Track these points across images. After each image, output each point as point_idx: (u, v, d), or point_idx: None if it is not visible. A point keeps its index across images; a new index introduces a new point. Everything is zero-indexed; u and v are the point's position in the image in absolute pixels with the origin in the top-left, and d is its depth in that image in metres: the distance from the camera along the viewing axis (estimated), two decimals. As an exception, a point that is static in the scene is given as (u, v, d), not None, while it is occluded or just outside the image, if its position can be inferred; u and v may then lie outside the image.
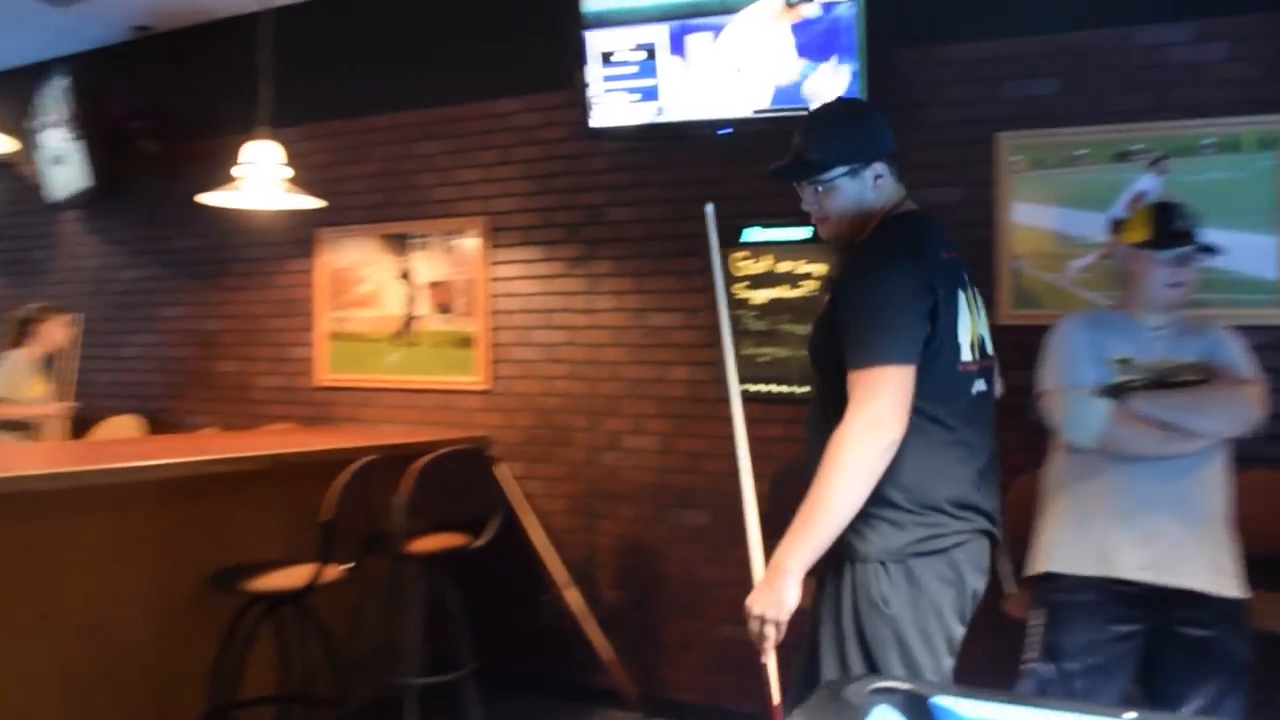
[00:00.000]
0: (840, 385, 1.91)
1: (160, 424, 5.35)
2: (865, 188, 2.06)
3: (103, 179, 5.39)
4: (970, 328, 2.01)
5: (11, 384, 4.93)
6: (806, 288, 3.72)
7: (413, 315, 4.69)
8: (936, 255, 2.00)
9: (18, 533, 2.94)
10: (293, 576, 3.12)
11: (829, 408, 1.96)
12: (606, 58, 3.71)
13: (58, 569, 3.04)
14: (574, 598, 4.17)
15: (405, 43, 4.74)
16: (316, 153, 4.92)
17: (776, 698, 2.02)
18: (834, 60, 3.41)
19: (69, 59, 5.60)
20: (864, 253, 2.00)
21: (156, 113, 5.38)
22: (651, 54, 3.61)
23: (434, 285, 4.63)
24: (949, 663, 1.97)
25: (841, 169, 2.05)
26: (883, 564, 1.91)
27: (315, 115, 4.92)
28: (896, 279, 1.92)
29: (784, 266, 3.77)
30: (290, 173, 4.02)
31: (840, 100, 2.55)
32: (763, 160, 3.73)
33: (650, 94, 3.66)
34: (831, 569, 1.98)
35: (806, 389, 3.72)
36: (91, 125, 5.32)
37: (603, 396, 4.20)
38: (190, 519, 3.37)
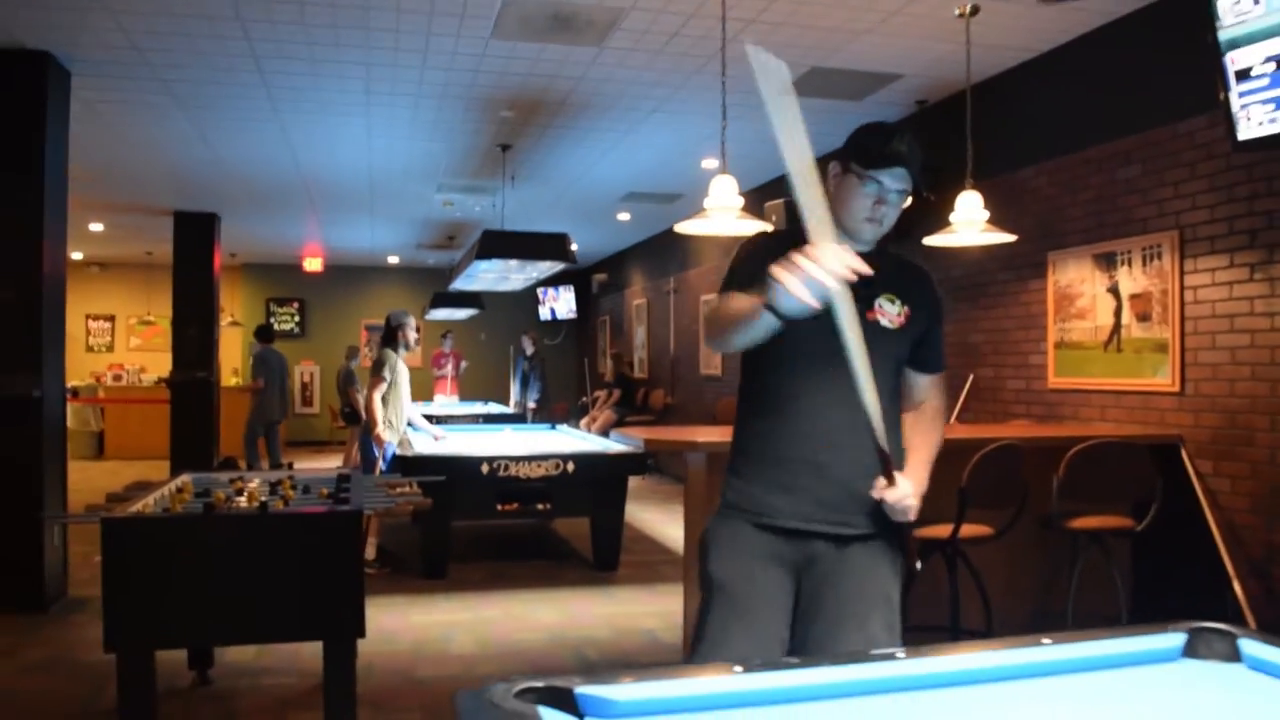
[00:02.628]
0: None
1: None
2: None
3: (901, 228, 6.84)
4: None
5: None
6: None
7: (1119, 324, 5.19)
8: None
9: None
10: (942, 529, 4.09)
11: (889, 399, 2.32)
12: (1243, 74, 3.90)
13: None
14: (1246, 591, 4.31)
15: (1097, 81, 5.29)
16: (1047, 186, 5.72)
17: None
18: None
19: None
20: (928, 276, 2.50)
21: (932, 169, 6.67)
22: (1281, 65, 3.72)
23: (1134, 297, 5.08)
24: None
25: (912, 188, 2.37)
26: None
27: (1046, 154, 5.71)
28: None
29: None
30: (986, 214, 4.97)
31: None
32: None
33: (1285, 103, 3.76)
34: (882, 541, 2.39)
35: None
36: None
37: (1282, 397, 4.26)
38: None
